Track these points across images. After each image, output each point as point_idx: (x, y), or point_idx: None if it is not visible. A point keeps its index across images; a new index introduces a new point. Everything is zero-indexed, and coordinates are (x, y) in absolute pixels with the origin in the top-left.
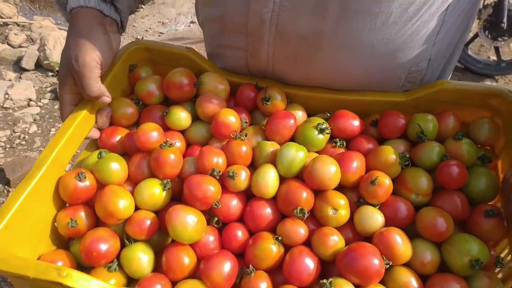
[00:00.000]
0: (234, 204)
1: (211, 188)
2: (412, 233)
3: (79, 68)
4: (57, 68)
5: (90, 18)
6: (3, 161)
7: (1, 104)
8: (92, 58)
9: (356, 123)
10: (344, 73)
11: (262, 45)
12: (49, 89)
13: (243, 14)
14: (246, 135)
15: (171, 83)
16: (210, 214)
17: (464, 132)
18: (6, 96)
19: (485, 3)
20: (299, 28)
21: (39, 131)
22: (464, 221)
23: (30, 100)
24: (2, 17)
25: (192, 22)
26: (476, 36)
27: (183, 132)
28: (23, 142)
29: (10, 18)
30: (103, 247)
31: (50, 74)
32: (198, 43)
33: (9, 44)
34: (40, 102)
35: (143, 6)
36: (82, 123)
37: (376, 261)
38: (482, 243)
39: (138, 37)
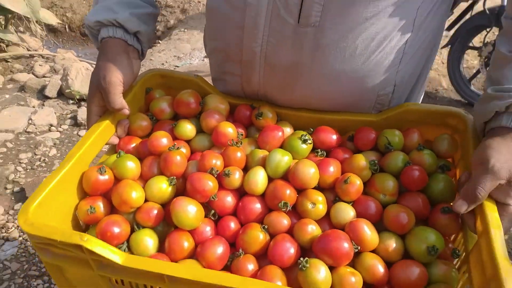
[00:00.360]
0: (229, 199)
1: (210, 183)
2: (381, 228)
3: (106, 85)
4: (78, 97)
5: (116, 46)
6: (24, 181)
7: (25, 128)
8: (116, 78)
9: (334, 137)
10: (322, 97)
11: (254, 73)
12: (69, 115)
13: (239, 48)
14: (241, 143)
15: (181, 101)
16: (208, 208)
17: (428, 147)
18: (30, 121)
19: (485, 41)
20: (283, 59)
21: (58, 154)
22: (426, 219)
23: (51, 125)
24: (29, 50)
25: (205, 56)
26: (478, 72)
27: (188, 142)
28: (43, 164)
29: (36, 50)
30: (116, 229)
31: (71, 102)
32: (209, 76)
33: (34, 74)
34: (60, 127)
35: (160, 41)
36: (104, 130)
37: (345, 244)
38: (438, 233)
39: None
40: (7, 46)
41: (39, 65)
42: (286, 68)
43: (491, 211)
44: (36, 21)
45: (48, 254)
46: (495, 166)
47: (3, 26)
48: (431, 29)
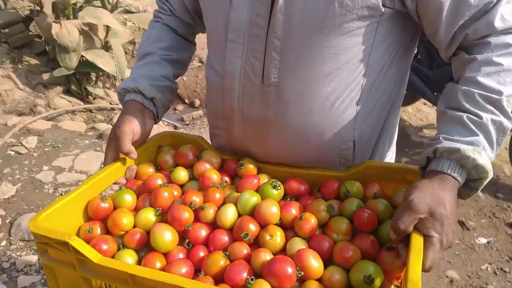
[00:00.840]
0: (202, 231)
1: (186, 213)
2: (332, 264)
3: (119, 133)
4: None
5: (135, 107)
6: None
7: (96, 171)
8: (128, 128)
9: (302, 187)
10: (292, 150)
11: (234, 126)
12: None
13: (222, 106)
14: (222, 187)
15: (180, 153)
16: (184, 238)
17: (388, 200)
18: (101, 165)
19: None
20: (255, 113)
21: None
22: (375, 258)
23: None
24: (111, 104)
25: None
26: None
27: (182, 186)
28: None
29: (117, 104)
30: (104, 246)
31: None
32: None
33: (111, 125)
34: None
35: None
36: (114, 170)
37: (289, 269)
38: (377, 267)
39: None
40: (94, 98)
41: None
42: (258, 121)
43: (414, 242)
44: (121, 79)
45: (46, 256)
46: (412, 201)
47: (93, 82)
48: (383, 90)
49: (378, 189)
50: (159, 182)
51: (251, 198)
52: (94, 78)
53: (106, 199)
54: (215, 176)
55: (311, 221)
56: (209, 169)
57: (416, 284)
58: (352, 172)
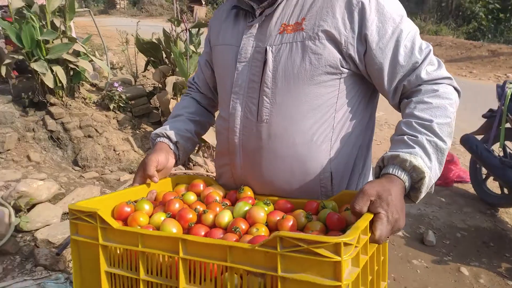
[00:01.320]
0: (201, 230)
1: (191, 215)
2: None
3: (146, 160)
4: None
5: (161, 146)
6: None
7: None
8: (154, 158)
9: (289, 205)
10: (280, 178)
11: (236, 158)
12: None
13: (227, 144)
14: (223, 205)
15: (193, 184)
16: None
17: None
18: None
19: None
20: (252, 145)
21: None
22: None
23: None
24: (207, 172)
25: None
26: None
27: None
28: None
29: (212, 173)
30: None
31: None
32: None
33: None
34: None
35: None
36: (139, 190)
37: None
38: None
39: None
40: (193, 165)
41: None
42: (254, 152)
43: (364, 215)
44: None
45: (75, 232)
46: (364, 188)
47: (195, 151)
48: (351, 131)
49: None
50: (172, 197)
51: (244, 206)
52: (196, 148)
53: (129, 204)
54: (217, 198)
55: (291, 220)
56: (213, 191)
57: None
58: (331, 200)
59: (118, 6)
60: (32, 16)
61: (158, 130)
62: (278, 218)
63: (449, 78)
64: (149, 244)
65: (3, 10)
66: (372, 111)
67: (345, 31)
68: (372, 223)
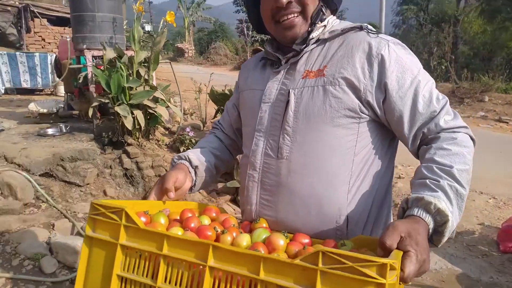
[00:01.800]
0: None
1: (210, 232)
2: None
3: (165, 176)
4: None
5: (181, 167)
6: None
7: None
8: (173, 174)
9: (307, 240)
10: (296, 215)
11: (254, 193)
12: None
13: (246, 178)
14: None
15: (207, 209)
16: None
17: None
18: None
19: None
20: (270, 181)
21: None
22: None
23: None
24: None
25: None
26: None
27: None
28: None
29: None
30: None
31: None
32: None
33: None
34: None
35: None
36: (153, 206)
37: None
38: None
39: None
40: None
41: None
42: (272, 188)
43: (394, 253)
44: None
45: (92, 229)
46: (395, 223)
47: None
48: (369, 176)
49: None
50: (190, 215)
51: (263, 233)
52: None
53: (146, 214)
54: (234, 223)
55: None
56: (230, 217)
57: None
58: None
59: (186, 55)
60: (122, 66)
61: (180, 154)
62: (297, 249)
63: (465, 127)
64: (175, 249)
65: (97, 59)
66: (391, 157)
67: (364, 79)
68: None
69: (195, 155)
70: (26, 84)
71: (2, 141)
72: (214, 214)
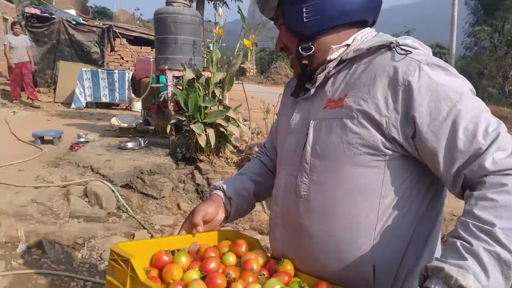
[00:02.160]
0: None
1: (220, 280)
2: None
3: (195, 209)
4: None
5: (215, 198)
6: None
7: None
8: (203, 207)
9: None
10: (316, 258)
11: (277, 229)
12: None
13: (272, 209)
14: (258, 275)
15: (237, 243)
16: None
17: None
18: None
19: None
20: (291, 219)
21: None
22: None
23: None
24: None
25: None
26: None
27: None
28: None
29: None
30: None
31: None
32: None
33: None
34: None
35: None
36: (184, 240)
37: None
38: None
39: None
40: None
41: None
42: (293, 226)
43: None
44: None
45: (111, 272)
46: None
47: None
48: (400, 223)
49: None
50: (212, 254)
51: (276, 284)
52: None
53: (168, 253)
54: (255, 265)
55: None
56: (253, 258)
57: None
58: None
59: (247, 74)
60: (200, 86)
61: (217, 183)
62: None
63: None
64: None
65: (177, 80)
66: (436, 196)
67: (387, 112)
68: None
69: (231, 185)
70: (105, 98)
71: (88, 152)
72: (243, 249)
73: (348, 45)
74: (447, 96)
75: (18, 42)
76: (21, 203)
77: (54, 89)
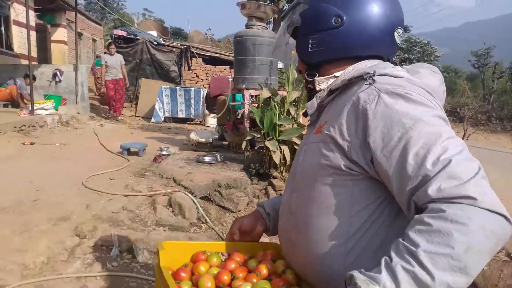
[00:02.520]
0: None
1: (226, 277)
2: None
3: (234, 221)
4: None
5: (255, 213)
6: None
7: None
8: (240, 220)
9: None
10: (306, 271)
11: (281, 242)
12: None
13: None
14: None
15: (265, 254)
16: None
17: None
18: None
19: None
20: (286, 231)
21: None
22: None
23: None
24: None
25: None
26: None
27: None
28: None
29: None
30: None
31: None
32: None
33: None
34: None
35: None
36: (221, 245)
37: None
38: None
39: None
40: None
41: None
42: (287, 238)
43: None
44: None
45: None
46: None
47: None
48: (375, 237)
49: None
50: (233, 265)
51: (265, 285)
52: None
53: (204, 253)
54: (264, 271)
55: None
56: (264, 265)
57: None
58: None
59: None
60: (276, 105)
61: (261, 201)
62: None
63: (472, 198)
64: None
65: (253, 98)
66: (408, 221)
67: (348, 137)
68: None
69: (271, 202)
70: (181, 113)
71: (170, 164)
72: (268, 258)
73: (336, 77)
74: (401, 122)
75: (113, 61)
76: (113, 209)
77: (136, 104)
